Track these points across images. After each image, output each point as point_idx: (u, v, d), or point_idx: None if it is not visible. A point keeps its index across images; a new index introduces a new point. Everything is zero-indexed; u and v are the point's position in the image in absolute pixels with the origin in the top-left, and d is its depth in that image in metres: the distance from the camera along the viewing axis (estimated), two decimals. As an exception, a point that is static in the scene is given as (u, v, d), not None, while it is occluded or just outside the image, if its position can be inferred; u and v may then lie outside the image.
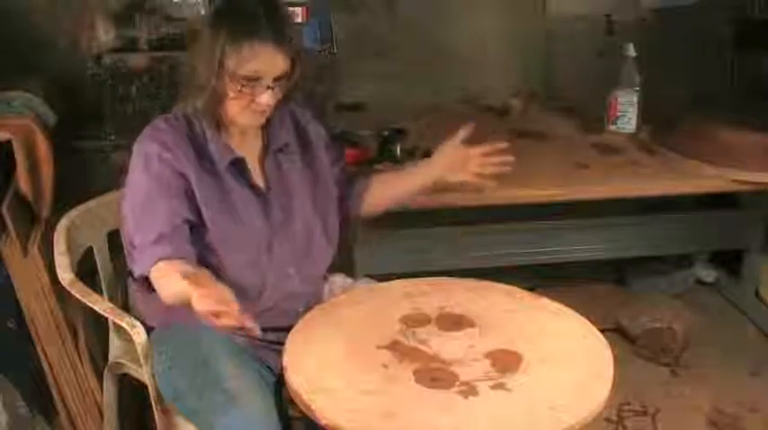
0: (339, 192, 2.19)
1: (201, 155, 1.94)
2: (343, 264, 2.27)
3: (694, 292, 3.67)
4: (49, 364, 2.48)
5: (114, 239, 2.29)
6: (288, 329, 1.90)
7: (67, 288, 2.11)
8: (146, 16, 2.60)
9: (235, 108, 1.90)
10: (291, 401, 1.76)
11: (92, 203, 2.29)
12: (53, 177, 2.46)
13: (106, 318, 2.17)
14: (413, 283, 2.11)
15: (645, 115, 3.15)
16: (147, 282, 1.91)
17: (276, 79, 1.87)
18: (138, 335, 2.01)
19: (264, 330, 1.94)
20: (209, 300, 1.57)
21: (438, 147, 2.15)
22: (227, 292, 1.61)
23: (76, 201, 2.28)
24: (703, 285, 3.72)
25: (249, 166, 2.00)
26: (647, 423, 2.82)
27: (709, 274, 3.72)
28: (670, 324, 3.15)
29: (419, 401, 1.65)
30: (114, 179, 2.43)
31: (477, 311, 1.95)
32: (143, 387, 2.10)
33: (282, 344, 1.85)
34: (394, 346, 1.82)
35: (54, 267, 2.14)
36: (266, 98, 1.88)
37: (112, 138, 2.62)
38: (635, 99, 3.12)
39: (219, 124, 1.97)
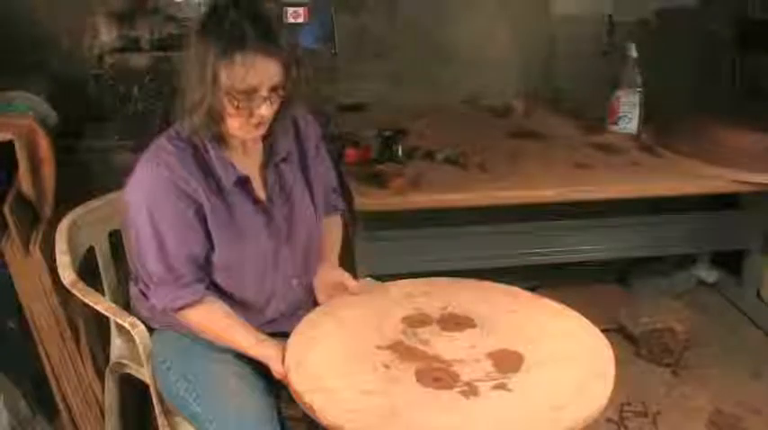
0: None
1: (207, 174, 1.90)
2: (345, 264, 2.26)
3: (695, 293, 3.67)
4: (51, 364, 2.48)
5: (116, 239, 2.29)
6: None
7: (69, 288, 2.12)
8: (148, 16, 2.59)
9: (234, 123, 1.85)
10: (293, 402, 1.76)
11: (93, 203, 2.29)
12: (55, 177, 2.46)
13: (107, 318, 2.17)
14: (414, 284, 2.11)
15: (646, 116, 3.15)
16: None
17: (272, 89, 1.82)
18: (140, 335, 2.02)
19: (276, 334, 1.95)
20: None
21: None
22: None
23: (78, 201, 2.28)
24: (704, 286, 3.72)
25: (252, 180, 1.96)
26: (648, 423, 2.82)
27: (710, 275, 3.72)
28: (671, 324, 3.15)
29: (421, 401, 1.65)
30: (116, 179, 2.42)
31: (479, 311, 1.95)
32: (144, 387, 2.10)
33: None
34: (395, 347, 1.82)
35: (55, 267, 2.14)
36: (264, 110, 1.83)
37: (114, 138, 2.62)
38: (636, 99, 3.12)
39: (220, 138, 1.92)
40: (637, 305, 3.34)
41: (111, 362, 2.28)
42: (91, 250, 2.25)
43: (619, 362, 1.77)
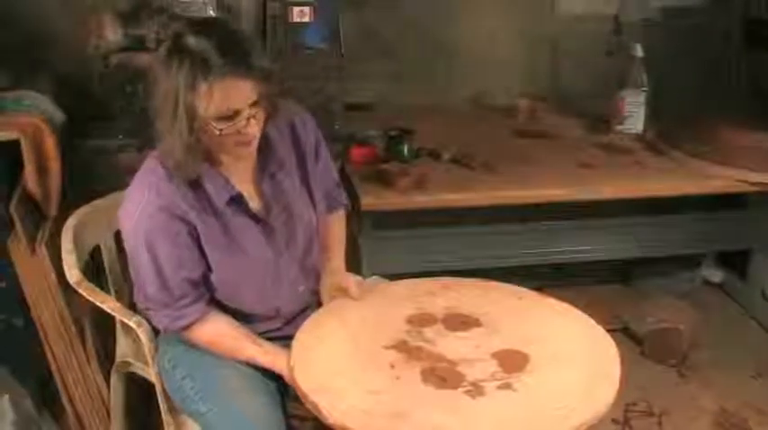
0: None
1: (199, 194, 1.86)
2: (351, 264, 2.27)
3: (701, 293, 3.66)
4: (56, 363, 2.48)
5: (121, 238, 2.29)
6: None
7: (75, 287, 2.12)
8: (153, 15, 2.59)
9: (225, 147, 1.81)
10: (299, 401, 1.77)
11: (99, 202, 2.28)
12: (61, 176, 2.46)
13: (113, 317, 2.17)
14: (419, 283, 2.11)
15: (652, 116, 3.15)
16: None
17: (252, 105, 1.76)
18: (145, 334, 2.02)
19: (282, 338, 1.95)
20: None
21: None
22: None
23: (84, 200, 2.28)
24: (710, 286, 3.71)
25: (246, 195, 1.93)
26: (654, 423, 2.82)
27: (715, 275, 3.71)
28: (676, 324, 3.15)
29: (426, 401, 1.65)
30: (121, 178, 2.42)
31: (484, 311, 1.95)
32: (150, 386, 2.10)
33: None
34: (401, 346, 1.82)
35: (61, 266, 2.15)
36: (251, 128, 1.78)
37: (120, 137, 2.62)
38: (642, 99, 3.12)
39: (212, 158, 1.87)
40: (642, 305, 3.33)
41: (116, 361, 2.28)
42: (97, 249, 2.25)
43: (624, 363, 1.77)
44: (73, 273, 2.11)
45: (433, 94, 3.49)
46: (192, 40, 1.70)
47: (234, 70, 1.69)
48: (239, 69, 1.70)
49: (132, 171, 1.92)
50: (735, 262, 3.62)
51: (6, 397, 2.35)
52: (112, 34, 2.60)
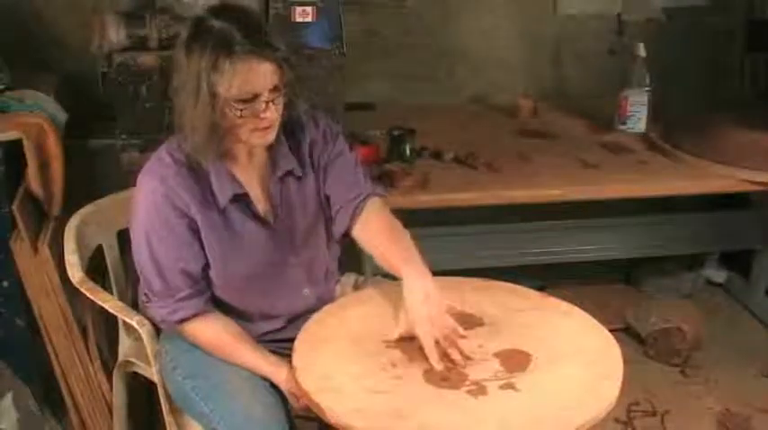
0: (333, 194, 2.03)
1: (204, 189, 1.87)
2: (353, 264, 2.26)
3: (704, 293, 3.66)
4: (59, 362, 2.49)
5: (124, 238, 2.29)
6: None
7: (77, 286, 2.12)
8: (156, 15, 2.60)
9: (243, 133, 1.81)
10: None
11: (102, 202, 2.29)
12: (63, 176, 2.47)
13: (115, 316, 2.18)
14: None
15: (654, 115, 3.15)
16: None
17: (272, 90, 1.77)
18: (147, 333, 2.02)
19: (283, 340, 1.95)
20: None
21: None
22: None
23: (87, 200, 2.29)
24: (713, 286, 3.71)
25: (253, 196, 1.93)
26: (657, 423, 2.82)
27: (718, 275, 3.71)
28: (679, 324, 3.14)
29: (428, 401, 1.65)
30: (124, 178, 2.43)
31: (486, 311, 1.95)
32: (152, 385, 2.10)
33: None
34: (403, 346, 1.81)
35: (64, 265, 2.15)
36: (270, 113, 1.78)
37: (123, 137, 2.62)
38: (645, 99, 3.12)
39: (224, 153, 1.88)
40: (645, 305, 3.33)
41: (118, 361, 2.29)
42: (99, 249, 2.26)
43: (627, 362, 1.76)
44: (75, 273, 2.12)
45: (436, 94, 3.49)
46: (215, 22, 1.74)
47: (256, 51, 1.73)
48: (262, 51, 1.73)
49: (134, 170, 1.92)
50: (738, 262, 3.62)
51: (9, 395, 2.35)
52: (115, 34, 2.60)
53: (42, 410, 2.48)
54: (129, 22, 2.59)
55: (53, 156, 2.44)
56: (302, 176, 2.00)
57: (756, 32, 3.56)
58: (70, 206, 2.35)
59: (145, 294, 1.94)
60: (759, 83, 3.59)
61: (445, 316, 1.81)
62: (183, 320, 1.90)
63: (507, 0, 3.50)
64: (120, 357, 2.28)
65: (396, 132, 2.84)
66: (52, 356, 2.48)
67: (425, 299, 1.80)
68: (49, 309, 2.44)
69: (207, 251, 1.89)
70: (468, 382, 1.69)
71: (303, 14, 2.67)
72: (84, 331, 2.48)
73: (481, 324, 1.90)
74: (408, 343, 1.82)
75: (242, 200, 1.91)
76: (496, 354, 1.78)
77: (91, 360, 2.49)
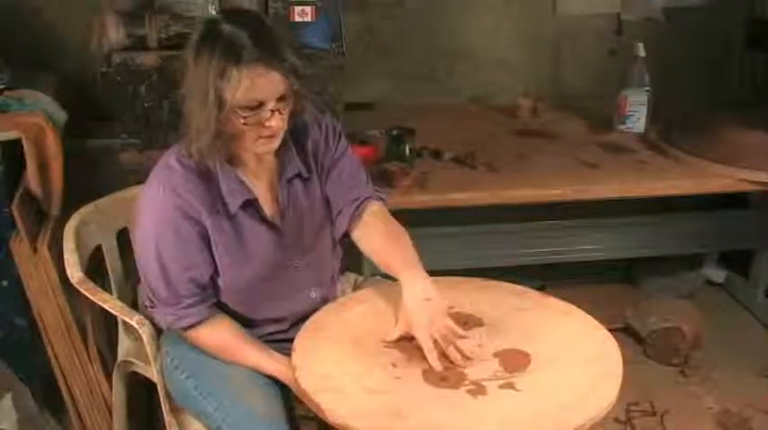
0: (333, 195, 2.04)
1: (214, 195, 1.86)
2: (352, 264, 2.26)
3: (703, 292, 3.66)
4: (59, 362, 2.49)
5: (123, 238, 2.30)
6: None
7: (77, 286, 2.12)
8: (156, 15, 2.59)
9: (248, 140, 1.81)
10: (301, 402, 1.77)
11: (101, 202, 2.29)
12: (63, 175, 2.46)
13: (115, 316, 2.17)
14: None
15: (654, 115, 3.15)
16: None
17: (279, 99, 1.77)
18: (147, 333, 2.02)
19: (286, 341, 1.95)
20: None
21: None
22: None
23: (86, 200, 2.28)
24: (713, 285, 3.71)
25: (261, 199, 1.92)
26: (656, 423, 2.82)
27: (718, 275, 3.71)
28: (679, 324, 3.14)
29: (428, 401, 1.65)
30: (124, 178, 2.43)
31: (486, 311, 1.95)
32: (152, 385, 2.10)
33: None
34: (402, 346, 1.82)
35: (63, 265, 2.15)
36: (275, 122, 1.77)
37: (122, 136, 2.62)
38: (644, 98, 3.12)
39: (232, 156, 1.88)
40: (644, 305, 3.33)
41: (118, 361, 2.29)
42: (98, 249, 2.26)
43: (626, 362, 1.76)
44: (75, 273, 2.11)
45: (435, 94, 3.49)
46: (226, 27, 1.73)
47: (265, 59, 1.71)
48: (270, 60, 1.72)
49: (134, 171, 1.92)
50: (737, 261, 3.62)
51: (9, 395, 2.35)
52: (114, 34, 2.60)
53: (42, 410, 2.48)
54: (129, 22, 2.59)
55: (52, 155, 2.44)
56: (308, 178, 2.00)
57: (756, 32, 3.56)
58: (69, 206, 2.34)
59: (149, 299, 1.93)
60: (759, 83, 3.59)
61: (444, 317, 1.82)
62: (188, 327, 1.90)
63: (507, 0, 3.50)
64: (120, 357, 2.28)
65: (395, 132, 2.84)
66: (52, 356, 2.48)
67: (425, 300, 1.82)
68: (48, 309, 2.44)
69: (216, 257, 1.88)
70: (467, 382, 1.69)
71: (302, 14, 2.68)
72: (83, 331, 2.48)
73: (481, 324, 1.90)
74: (408, 343, 1.82)
75: (251, 205, 1.91)
76: (496, 354, 1.79)
77: (90, 360, 2.49)
